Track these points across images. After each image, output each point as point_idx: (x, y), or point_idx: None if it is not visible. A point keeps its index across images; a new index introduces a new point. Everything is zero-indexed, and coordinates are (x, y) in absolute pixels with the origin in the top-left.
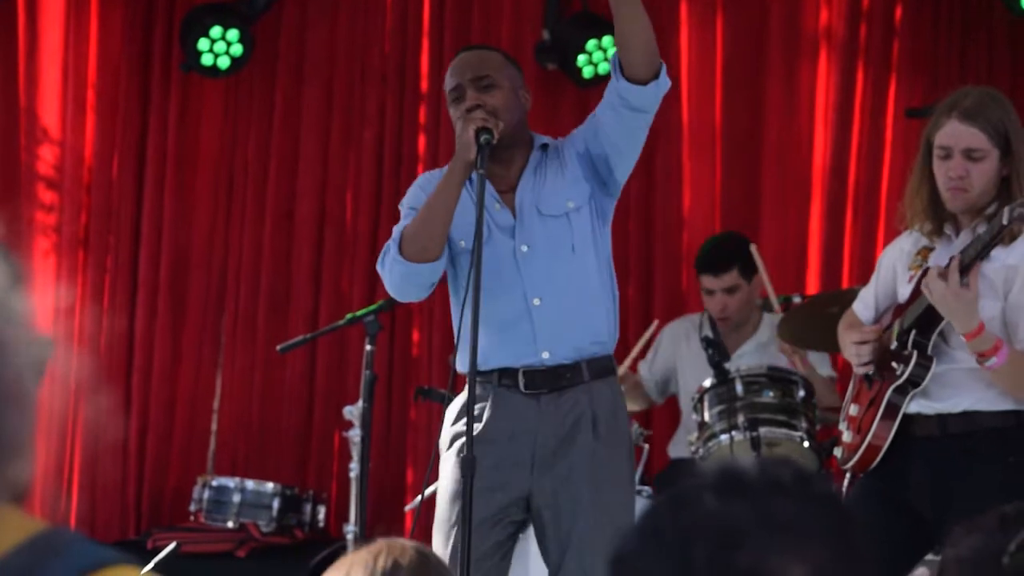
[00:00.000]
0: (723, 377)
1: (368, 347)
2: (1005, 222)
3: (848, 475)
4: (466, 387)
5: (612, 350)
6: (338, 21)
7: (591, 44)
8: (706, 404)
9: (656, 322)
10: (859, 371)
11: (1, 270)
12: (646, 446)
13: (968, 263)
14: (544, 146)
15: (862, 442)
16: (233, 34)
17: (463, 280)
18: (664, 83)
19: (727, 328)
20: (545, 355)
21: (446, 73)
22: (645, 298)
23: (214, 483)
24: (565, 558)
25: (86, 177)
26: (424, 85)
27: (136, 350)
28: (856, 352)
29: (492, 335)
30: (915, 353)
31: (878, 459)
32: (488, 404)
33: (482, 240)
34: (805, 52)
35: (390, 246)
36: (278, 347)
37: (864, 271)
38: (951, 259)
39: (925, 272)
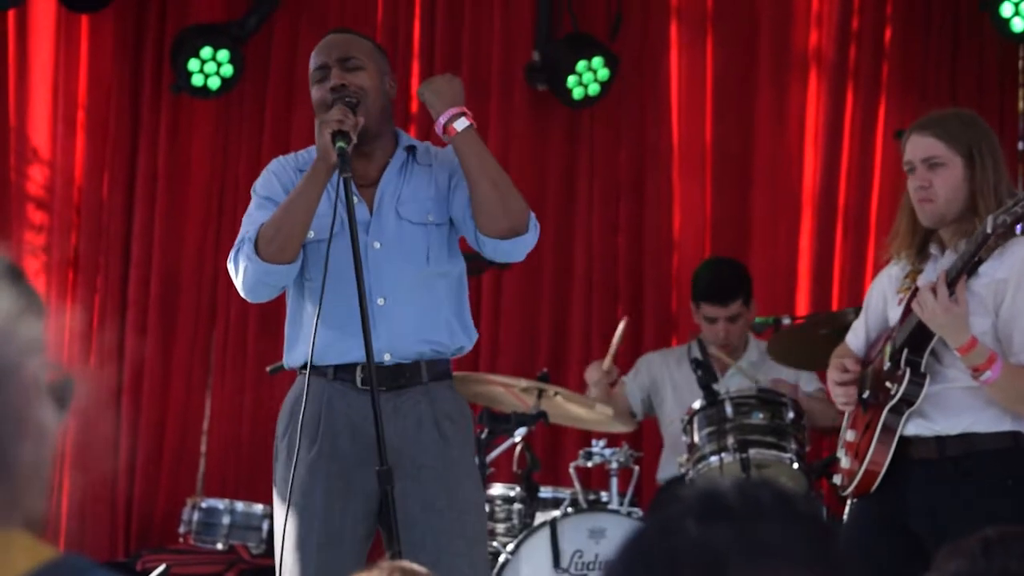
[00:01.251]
0: (713, 399)
1: None
2: (988, 231)
3: (848, 503)
4: (298, 383)
5: (450, 358)
6: None
7: (581, 65)
8: (696, 426)
9: (625, 318)
10: (844, 409)
11: (10, 296)
12: (636, 468)
13: (955, 276)
14: (412, 148)
15: (860, 467)
16: (223, 54)
17: (310, 272)
18: (531, 238)
19: (726, 352)
20: (386, 356)
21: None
22: (635, 319)
23: (203, 505)
24: (420, 559)
25: (76, 197)
26: (414, 106)
27: (125, 370)
28: (838, 392)
29: (330, 330)
30: (908, 371)
31: (876, 484)
32: (323, 402)
33: (359, 243)
34: (795, 73)
35: (243, 243)
36: (268, 368)
37: (854, 291)
38: (940, 274)
39: (915, 293)
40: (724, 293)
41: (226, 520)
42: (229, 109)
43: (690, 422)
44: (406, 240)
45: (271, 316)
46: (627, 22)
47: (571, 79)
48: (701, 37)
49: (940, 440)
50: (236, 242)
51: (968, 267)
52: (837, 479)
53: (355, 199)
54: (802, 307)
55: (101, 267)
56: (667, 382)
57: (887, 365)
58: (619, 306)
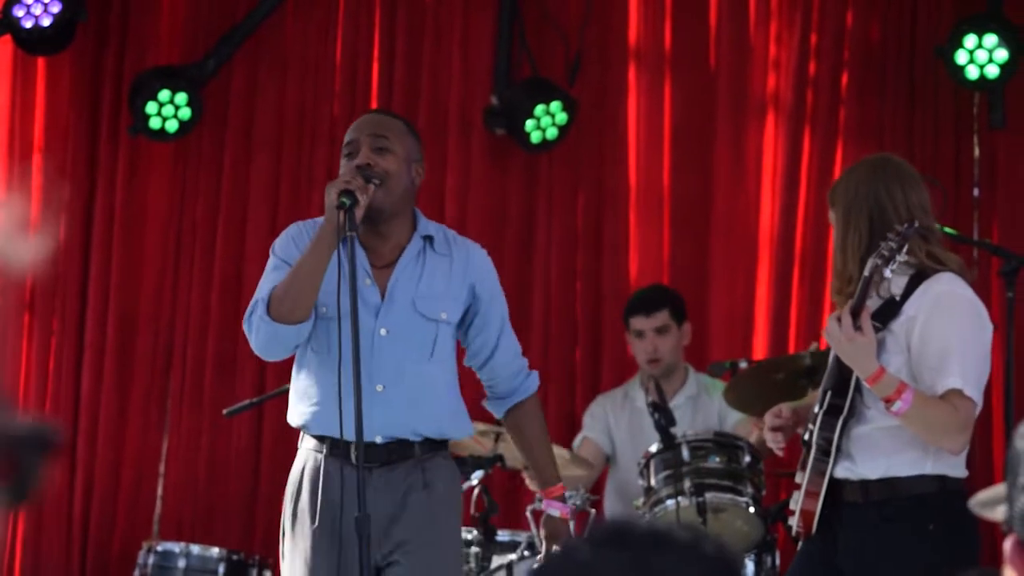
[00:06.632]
0: (669, 442)
1: None
2: (867, 274)
3: (798, 545)
4: (300, 454)
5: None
6: (287, 84)
7: (539, 109)
8: (652, 469)
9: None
10: (778, 453)
11: None
12: (592, 511)
13: (857, 307)
14: (429, 237)
15: (798, 509)
16: (181, 97)
17: (316, 343)
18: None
19: (656, 372)
20: (378, 439)
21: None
22: (593, 364)
23: (159, 548)
24: None
25: None
26: None
27: (82, 413)
28: (772, 439)
29: (329, 404)
30: (820, 415)
31: (815, 525)
32: (321, 475)
33: (357, 304)
34: (752, 118)
35: (257, 304)
36: (224, 411)
37: (811, 336)
38: (846, 306)
39: None
40: (648, 304)
41: (181, 563)
42: (187, 152)
43: (647, 465)
44: (415, 333)
45: (228, 360)
46: (585, 66)
47: (529, 123)
48: (659, 82)
49: (864, 484)
50: (251, 303)
51: (863, 300)
52: (791, 521)
53: (368, 280)
54: (760, 351)
55: (57, 310)
56: (615, 428)
57: (816, 407)
58: (577, 351)
